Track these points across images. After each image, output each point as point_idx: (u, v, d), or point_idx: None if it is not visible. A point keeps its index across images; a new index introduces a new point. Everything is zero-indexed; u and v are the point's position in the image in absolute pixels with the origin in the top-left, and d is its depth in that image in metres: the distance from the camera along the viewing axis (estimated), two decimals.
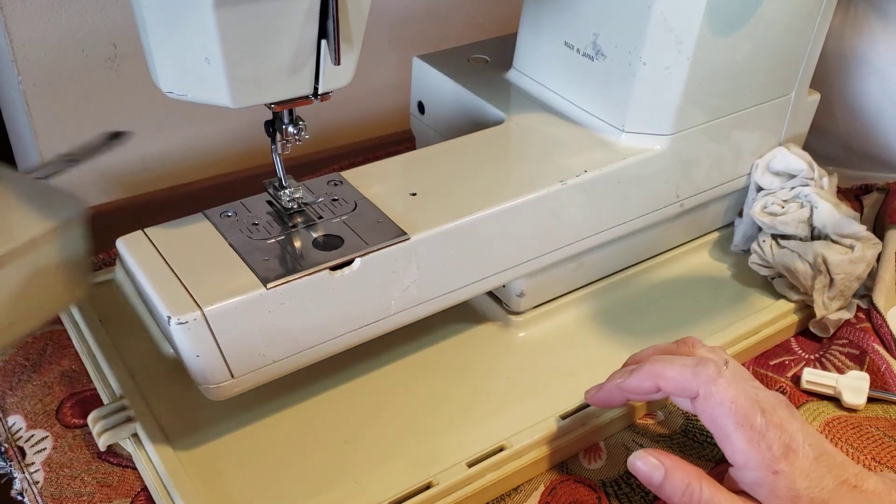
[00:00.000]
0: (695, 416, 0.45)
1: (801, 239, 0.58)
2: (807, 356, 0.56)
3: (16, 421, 0.49)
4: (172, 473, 0.44)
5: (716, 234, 0.64)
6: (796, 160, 0.59)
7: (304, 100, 0.43)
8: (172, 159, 0.76)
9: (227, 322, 0.41)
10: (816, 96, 0.63)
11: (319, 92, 0.43)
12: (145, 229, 0.45)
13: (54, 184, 0.51)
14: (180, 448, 0.46)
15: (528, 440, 0.47)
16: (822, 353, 0.57)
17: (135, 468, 0.47)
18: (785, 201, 0.59)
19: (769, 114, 0.59)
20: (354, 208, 0.47)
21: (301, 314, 0.43)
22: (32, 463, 0.47)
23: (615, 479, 0.48)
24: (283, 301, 0.42)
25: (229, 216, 0.46)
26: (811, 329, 0.58)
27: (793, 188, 0.59)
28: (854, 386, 0.52)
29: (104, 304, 0.55)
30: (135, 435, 0.47)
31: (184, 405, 0.48)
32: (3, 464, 0.47)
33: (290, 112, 0.44)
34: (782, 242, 0.58)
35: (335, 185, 0.49)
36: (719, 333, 0.55)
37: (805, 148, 0.62)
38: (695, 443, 0.50)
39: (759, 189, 0.61)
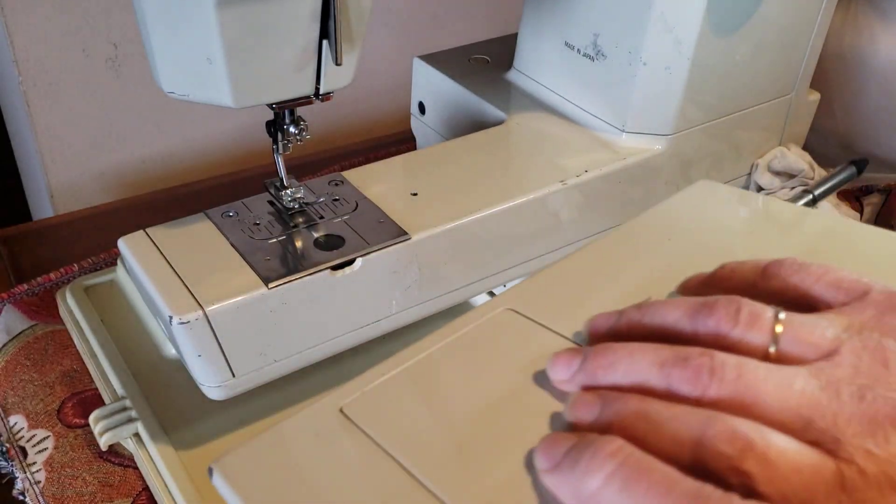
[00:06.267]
0: None
1: None
2: None
3: (17, 421, 0.49)
4: (174, 473, 0.44)
5: None
6: (796, 160, 0.59)
7: (305, 100, 0.43)
8: (173, 159, 0.76)
9: (228, 322, 0.41)
10: (816, 96, 0.63)
11: (321, 92, 0.43)
12: (147, 229, 0.45)
13: None
14: (181, 448, 0.46)
15: None
16: None
17: (136, 468, 0.47)
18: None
19: (769, 114, 0.59)
20: (356, 208, 0.47)
21: (302, 314, 0.43)
22: (34, 463, 0.47)
23: None
24: (284, 301, 0.42)
25: (231, 216, 0.46)
26: None
27: (793, 188, 0.59)
28: None
29: (106, 303, 0.55)
30: (136, 435, 0.47)
31: (185, 405, 0.48)
32: (5, 463, 0.47)
33: (292, 112, 0.45)
34: None
35: (336, 185, 0.49)
36: None
37: (805, 148, 0.62)
38: None
39: (760, 189, 0.61)
